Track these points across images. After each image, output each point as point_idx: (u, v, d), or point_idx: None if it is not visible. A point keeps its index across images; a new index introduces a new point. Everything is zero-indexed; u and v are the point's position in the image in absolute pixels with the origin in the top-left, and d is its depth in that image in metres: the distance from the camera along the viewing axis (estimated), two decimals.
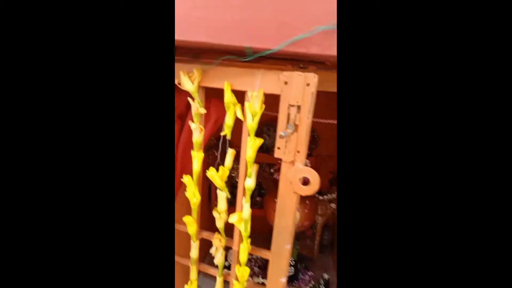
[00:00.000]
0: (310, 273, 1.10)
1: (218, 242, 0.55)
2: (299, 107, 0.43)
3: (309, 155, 1.03)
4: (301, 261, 1.13)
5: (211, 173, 0.50)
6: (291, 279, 1.08)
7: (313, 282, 1.08)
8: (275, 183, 0.78)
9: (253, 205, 1.30)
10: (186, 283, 0.62)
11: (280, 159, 0.84)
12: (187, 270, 0.66)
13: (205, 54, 0.55)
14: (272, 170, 1.18)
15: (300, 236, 1.18)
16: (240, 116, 0.47)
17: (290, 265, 1.08)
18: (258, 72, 0.44)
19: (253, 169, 0.49)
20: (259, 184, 1.21)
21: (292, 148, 0.44)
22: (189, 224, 0.55)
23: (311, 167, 1.06)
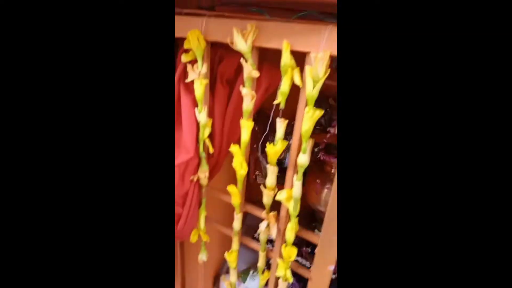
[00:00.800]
0: None
1: (273, 219, 0.52)
2: None
3: (326, 131, 0.85)
4: None
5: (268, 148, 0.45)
6: None
7: None
8: (319, 163, 0.72)
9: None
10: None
11: (326, 138, 0.75)
12: (225, 240, 0.65)
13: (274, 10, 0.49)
14: (316, 149, 1.09)
15: None
16: (298, 82, 0.41)
17: None
18: (325, 30, 0.37)
19: (308, 144, 0.43)
20: None
21: None
22: (234, 194, 0.53)
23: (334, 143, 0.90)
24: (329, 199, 0.63)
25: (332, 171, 0.72)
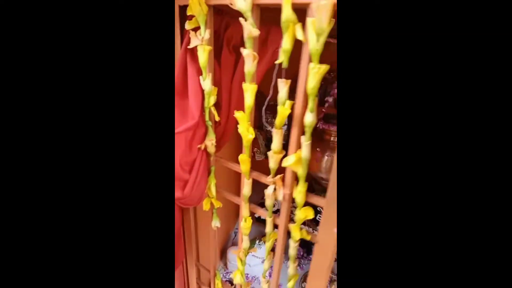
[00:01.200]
0: None
1: (280, 182, 0.52)
2: None
3: (324, 101, 0.83)
4: None
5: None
6: None
7: None
8: (317, 132, 0.72)
9: None
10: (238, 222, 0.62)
11: (325, 108, 0.75)
12: (230, 214, 0.65)
13: None
14: None
15: None
16: (300, 36, 0.39)
17: None
18: None
19: (314, 103, 0.42)
20: None
21: None
22: (243, 162, 0.53)
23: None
24: (330, 166, 0.62)
25: (331, 139, 0.75)
